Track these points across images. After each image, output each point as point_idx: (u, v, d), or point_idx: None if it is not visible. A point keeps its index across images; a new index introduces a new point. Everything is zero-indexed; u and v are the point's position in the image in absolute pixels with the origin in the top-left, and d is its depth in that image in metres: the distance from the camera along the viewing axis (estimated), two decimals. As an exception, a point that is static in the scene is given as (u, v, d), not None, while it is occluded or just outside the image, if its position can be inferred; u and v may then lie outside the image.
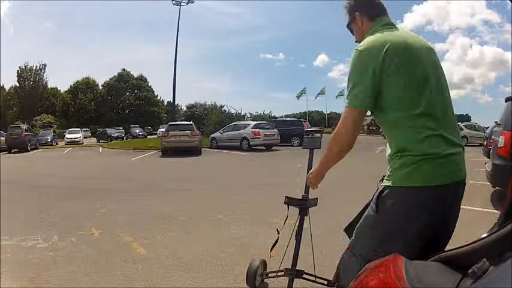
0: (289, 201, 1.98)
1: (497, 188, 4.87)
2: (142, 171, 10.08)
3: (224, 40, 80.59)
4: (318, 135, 2.11)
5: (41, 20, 72.94)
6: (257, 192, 5.97)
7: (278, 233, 2.05)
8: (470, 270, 0.66)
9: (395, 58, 1.16)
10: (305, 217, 1.96)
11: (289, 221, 2.02)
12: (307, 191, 1.92)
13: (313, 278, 1.98)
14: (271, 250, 2.10)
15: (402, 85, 1.16)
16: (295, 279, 1.96)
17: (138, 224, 4.00)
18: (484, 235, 0.74)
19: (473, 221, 3.75)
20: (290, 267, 1.97)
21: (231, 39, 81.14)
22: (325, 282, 1.93)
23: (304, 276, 1.99)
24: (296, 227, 1.96)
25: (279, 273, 2.07)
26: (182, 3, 29.89)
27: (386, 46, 1.17)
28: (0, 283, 2.40)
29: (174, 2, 29.86)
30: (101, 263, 2.82)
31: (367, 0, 1.34)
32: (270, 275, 2.19)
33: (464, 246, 0.76)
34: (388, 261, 0.76)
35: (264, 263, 2.34)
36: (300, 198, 1.95)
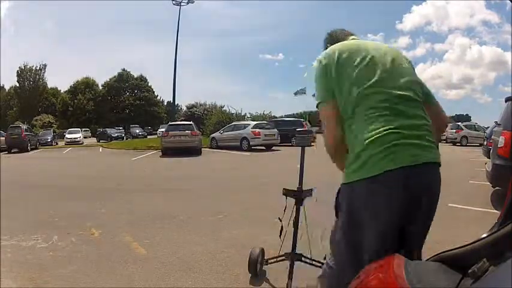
0: (287, 192, 2.21)
1: (497, 188, 4.87)
2: (142, 171, 10.08)
3: (224, 40, 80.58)
4: (309, 134, 2.34)
5: (41, 20, 73.05)
6: (257, 192, 5.96)
7: (280, 220, 2.22)
8: (470, 270, 0.66)
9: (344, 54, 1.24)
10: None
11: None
12: (300, 182, 2.19)
13: (309, 261, 2.23)
14: (280, 236, 2.27)
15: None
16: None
17: (138, 224, 4.00)
18: (484, 235, 0.74)
19: (473, 221, 3.75)
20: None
21: (230, 40, 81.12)
22: (319, 264, 2.09)
23: (303, 259, 2.23)
24: (294, 216, 2.17)
25: (279, 258, 2.31)
26: (182, 3, 29.98)
27: (337, 49, 1.27)
28: (0, 283, 2.40)
29: (174, 2, 29.95)
30: (101, 263, 2.82)
31: (335, 39, 1.45)
32: (270, 261, 2.40)
33: (464, 246, 0.76)
34: (388, 261, 0.76)
35: (262, 252, 2.50)
36: (296, 189, 2.19)
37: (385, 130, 1.10)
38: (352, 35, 1.45)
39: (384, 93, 1.16)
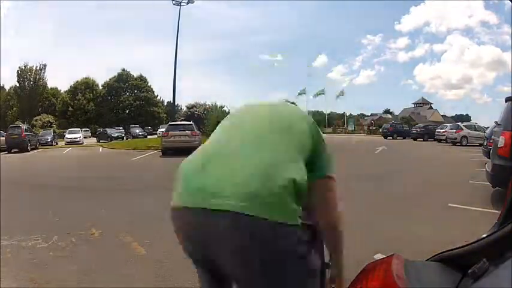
0: None
1: (497, 188, 4.87)
2: (142, 171, 10.08)
3: (224, 41, 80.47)
4: None
5: (41, 20, 72.88)
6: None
7: None
8: (470, 270, 0.66)
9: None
10: None
11: None
12: None
13: None
14: None
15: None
16: None
17: (138, 224, 4.00)
18: (484, 235, 0.74)
19: (473, 221, 3.75)
20: None
21: (230, 40, 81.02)
22: None
23: None
24: None
25: None
26: (182, 4, 29.89)
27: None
28: (0, 283, 2.40)
29: (174, 2, 29.86)
30: (101, 263, 2.82)
31: None
32: None
33: (464, 246, 0.76)
34: (388, 261, 0.76)
35: None
36: None
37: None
38: None
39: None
